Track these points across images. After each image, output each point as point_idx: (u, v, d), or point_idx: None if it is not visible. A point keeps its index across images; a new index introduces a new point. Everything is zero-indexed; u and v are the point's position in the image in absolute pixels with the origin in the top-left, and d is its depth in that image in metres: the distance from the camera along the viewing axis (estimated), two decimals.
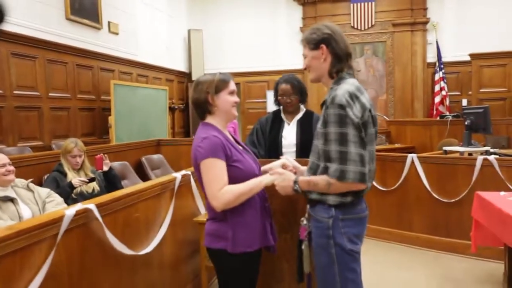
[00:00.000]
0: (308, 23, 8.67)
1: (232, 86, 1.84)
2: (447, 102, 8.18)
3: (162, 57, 8.33)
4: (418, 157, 4.02)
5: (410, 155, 4.06)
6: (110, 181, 3.55)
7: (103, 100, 6.39)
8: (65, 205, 2.74)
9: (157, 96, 7.23)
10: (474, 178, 3.66)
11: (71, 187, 3.17)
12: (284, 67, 8.42)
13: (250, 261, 1.80)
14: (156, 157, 5.38)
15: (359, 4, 8.61)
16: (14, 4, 4.68)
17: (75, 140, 3.43)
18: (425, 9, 8.43)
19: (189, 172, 2.90)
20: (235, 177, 1.73)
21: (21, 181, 2.70)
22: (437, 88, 8.26)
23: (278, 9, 9.18)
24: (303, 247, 1.80)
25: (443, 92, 8.21)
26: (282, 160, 1.95)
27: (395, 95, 8.69)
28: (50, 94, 5.42)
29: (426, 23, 8.40)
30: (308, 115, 2.89)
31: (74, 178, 3.24)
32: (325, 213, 1.66)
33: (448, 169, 3.86)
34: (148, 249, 2.29)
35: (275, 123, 2.91)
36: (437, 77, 8.27)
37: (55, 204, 2.69)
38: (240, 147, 1.89)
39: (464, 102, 8.11)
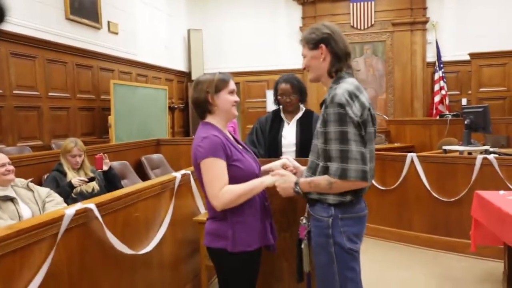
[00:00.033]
0: (308, 23, 8.66)
1: (232, 85, 1.84)
2: (447, 102, 8.18)
3: (161, 57, 8.33)
4: (418, 157, 4.03)
5: (409, 155, 4.06)
6: (110, 181, 3.56)
7: (103, 99, 6.39)
8: (65, 204, 2.74)
9: (157, 96, 7.23)
10: (473, 177, 3.66)
11: (71, 186, 3.17)
12: (284, 67, 8.41)
13: (250, 260, 1.80)
14: (155, 156, 5.38)
15: (358, 4, 8.61)
16: (13, 4, 4.68)
17: (74, 140, 3.43)
18: (425, 8, 8.43)
19: (188, 172, 2.90)
20: (235, 176, 1.73)
21: (21, 181, 2.70)
22: (436, 87, 8.25)
23: (277, 9, 9.18)
24: (302, 246, 1.80)
25: (443, 92, 8.21)
26: (283, 160, 1.95)
27: (395, 95, 8.69)
28: (49, 93, 5.42)
29: (425, 22, 8.39)
30: (308, 114, 2.89)
31: (74, 177, 3.24)
32: (324, 212, 1.66)
33: (447, 168, 3.87)
34: (148, 248, 2.29)
35: (275, 122, 2.91)
36: (436, 76, 8.27)
37: (55, 204, 2.69)
38: (240, 147, 1.89)
39: (464, 101, 8.11)
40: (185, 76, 9.33)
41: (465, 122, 4.11)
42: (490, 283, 3.16)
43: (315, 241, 1.72)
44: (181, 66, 9.22)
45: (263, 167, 1.95)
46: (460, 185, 3.74)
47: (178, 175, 2.77)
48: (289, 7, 9.09)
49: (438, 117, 7.34)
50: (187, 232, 2.89)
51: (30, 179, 2.79)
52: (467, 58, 7.27)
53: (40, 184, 3.22)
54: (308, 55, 1.76)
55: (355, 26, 8.69)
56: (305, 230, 1.79)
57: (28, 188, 2.69)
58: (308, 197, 1.74)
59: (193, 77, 8.80)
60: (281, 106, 2.93)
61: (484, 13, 7.90)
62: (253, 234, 1.77)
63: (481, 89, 7.03)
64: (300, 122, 2.86)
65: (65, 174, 3.30)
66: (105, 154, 3.62)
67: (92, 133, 6.27)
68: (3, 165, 2.55)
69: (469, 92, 7.51)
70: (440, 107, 8.16)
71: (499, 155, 3.86)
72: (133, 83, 6.97)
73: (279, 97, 2.87)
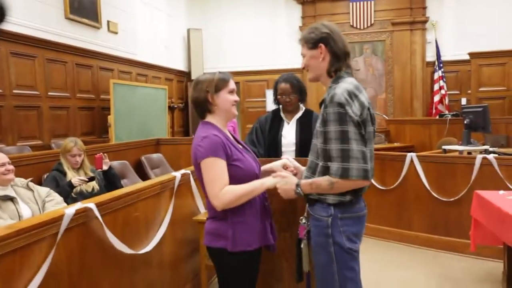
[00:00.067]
0: (308, 22, 8.66)
1: (231, 85, 1.84)
2: (446, 101, 8.18)
3: (161, 56, 8.33)
4: (418, 156, 4.03)
5: (409, 154, 4.06)
6: (110, 180, 3.56)
7: (103, 99, 6.39)
8: (65, 204, 2.74)
9: (157, 95, 7.23)
10: (473, 177, 3.66)
11: (71, 186, 3.17)
12: (284, 66, 8.41)
13: (250, 260, 1.80)
14: (155, 156, 5.38)
15: (358, 3, 8.61)
16: (13, 4, 4.68)
17: (74, 139, 3.43)
18: (424, 8, 8.43)
19: (188, 171, 2.90)
20: (235, 176, 1.73)
21: (20, 180, 2.70)
22: (436, 87, 8.26)
23: (277, 8, 9.18)
24: (302, 246, 1.80)
25: (442, 91, 8.21)
26: (283, 160, 1.95)
27: (394, 94, 8.69)
28: (49, 93, 5.42)
29: (425, 22, 8.39)
30: (308, 114, 2.89)
31: (73, 177, 3.24)
32: (324, 212, 1.66)
33: (447, 168, 3.87)
34: (148, 248, 2.29)
35: (275, 122, 2.91)
36: (436, 76, 8.27)
37: (54, 203, 2.69)
38: (240, 146, 1.89)
39: (463, 101, 8.12)
40: (185, 75, 9.33)
41: (465, 122, 4.11)
42: (490, 283, 3.16)
43: (314, 240, 1.72)
44: (181, 66, 9.22)
45: (263, 167, 1.95)
46: (459, 185, 3.75)
47: (178, 174, 2.77)
48: (288, 7, 9.09)
49: (437, 117, 7.34)
50: (187, 231, 2.89)
51: (30, 179, 2.79)
52: (467, 57, 7.27)
53: (40, 183, 3.22)
54: (307, 54, 1.76)
55: (354, 25, 8.69)
56: (304, 230, 1.79)
57: (28, 187, 2.69)
58: (307, 197, 1.74)
59: (193, 77, 8.80)
60: (280, 106, 2.93)
61: (483, 13, 7.90)
62: (253, 234, 1.77)
63: (480, 89, 7.03)
64: (300, 122, 2.86)
65: (65, 174, 3.30)
66: (105, 154, 3.62)
67: (92, 132, 6.27)
68: (3, 164, 2.55)
69: (469, 91, 7.52)
70: (440, 107, 8.16)
71: (499, 154, 3.86)
72: (133, 83, 6.97)
73: (278, 96, 2.87)
